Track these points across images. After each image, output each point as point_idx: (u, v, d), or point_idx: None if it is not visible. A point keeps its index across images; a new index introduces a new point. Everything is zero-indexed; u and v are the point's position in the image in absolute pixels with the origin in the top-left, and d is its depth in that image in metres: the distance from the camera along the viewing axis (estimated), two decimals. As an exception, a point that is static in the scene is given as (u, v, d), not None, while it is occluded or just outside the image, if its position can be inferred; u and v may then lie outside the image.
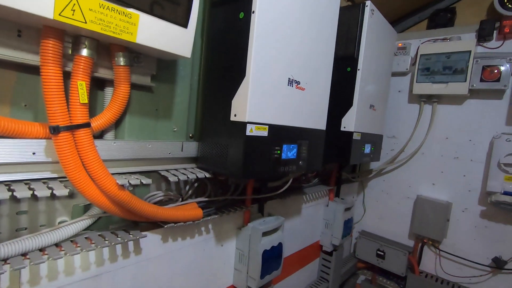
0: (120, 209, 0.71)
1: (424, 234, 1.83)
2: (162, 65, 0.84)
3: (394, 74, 1.93)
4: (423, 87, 1.80)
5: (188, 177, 0.87)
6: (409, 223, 1.95)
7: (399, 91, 2.00)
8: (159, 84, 0.85)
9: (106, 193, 0.67)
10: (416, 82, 1.81)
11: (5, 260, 0.58)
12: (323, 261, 1.80)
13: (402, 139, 1.99)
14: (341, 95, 1.38)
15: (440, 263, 1.83)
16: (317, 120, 1.11)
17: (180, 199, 0.93)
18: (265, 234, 1.11)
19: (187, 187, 0.96)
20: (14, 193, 0.57)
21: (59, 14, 0.52)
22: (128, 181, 0.73)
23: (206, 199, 0.96)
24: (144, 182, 0.76)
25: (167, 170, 0.88)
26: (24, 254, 0.61)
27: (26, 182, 0.63)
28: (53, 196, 0.66)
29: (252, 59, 0.81)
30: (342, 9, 1.21)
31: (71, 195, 0.70)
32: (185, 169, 0.92)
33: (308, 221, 1.61)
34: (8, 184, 0.60)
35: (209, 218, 0.92)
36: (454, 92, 1.70)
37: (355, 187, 2.14)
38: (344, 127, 1.43)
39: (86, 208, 0.74)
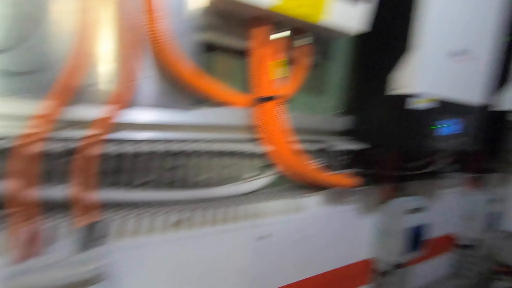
0: (293, 170, 0.84)
1: None
2: (324, 43, 0.91)
3: None
4: None
5: (340, 149, 0.94)
6: None
7: None
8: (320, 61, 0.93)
9: (286, 155, 0.80)
10: None
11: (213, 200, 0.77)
12: (457, 256, 1.64)
13: None
14: (501, 67, 1.20)
15: None
16: (480, 94, 1.01)
17: (333, 169, 1.01)
18: (408, 212, 1.10)
19: (338, 158, 1.03)
20: (223, 148, 0.75)
21: (274, 5, 0.64)
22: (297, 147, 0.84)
23: (355, 170, 1.01)
24: (311, 149, 0.87)
25: (322, 141, 0.97)
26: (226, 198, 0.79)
27: (230, 141, 0.80)
28: (248, 155, 0.83)
29: (419, 31, 0.80)
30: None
31: (257, 155, 0.85)
32: (337, 141, 0.99)
33: (444, 209, 1.49)
34: (219, 142, 0.78)
35: (360, 188, 0.98)
36: None
37: (504, 178, 1.82)
38: (501, 106, 1.24)
39: (266, 168, 0.89)
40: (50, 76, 0.54)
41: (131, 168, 0.66)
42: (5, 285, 0.48)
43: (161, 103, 0.67)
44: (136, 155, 0.66)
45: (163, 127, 0.68)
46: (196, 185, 0.75)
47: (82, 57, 0.54)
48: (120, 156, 0.63)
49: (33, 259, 0.51)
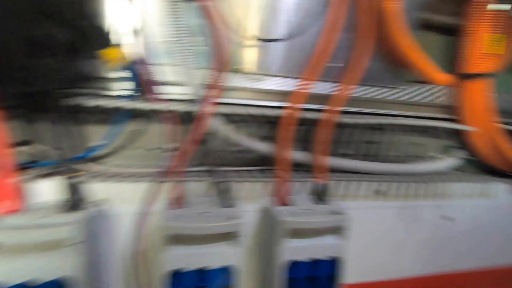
0: (494, 153, 0.80)
1: None
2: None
3: None
4: None
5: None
6: None
7: None
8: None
9: (489, 137, 0.76)
10: None
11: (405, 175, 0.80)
12: None
13: None
14: None
15: None
16: None
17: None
18: None
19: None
20: (420, 124, 0.76)
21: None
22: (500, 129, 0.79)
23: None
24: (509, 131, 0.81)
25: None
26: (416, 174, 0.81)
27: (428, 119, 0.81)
28: (443, 134, 0.83)
29: None
30: None
31: (452, 135, 0.84)
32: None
33: None
34: (418, 119, 0.80)
35: None
36: None
37: None
38: None
39: (456, 149, 0.87)
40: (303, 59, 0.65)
41: (338, 139, 0.75)
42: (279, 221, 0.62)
43: (375, 80, 0.72)
44: (344, 127, 0.74)
45: (372, 102, 0.74)
46: (389, 160, 0.80)
47: (330, 43, 0.64)
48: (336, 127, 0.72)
49: (287, 205, 0.65)
